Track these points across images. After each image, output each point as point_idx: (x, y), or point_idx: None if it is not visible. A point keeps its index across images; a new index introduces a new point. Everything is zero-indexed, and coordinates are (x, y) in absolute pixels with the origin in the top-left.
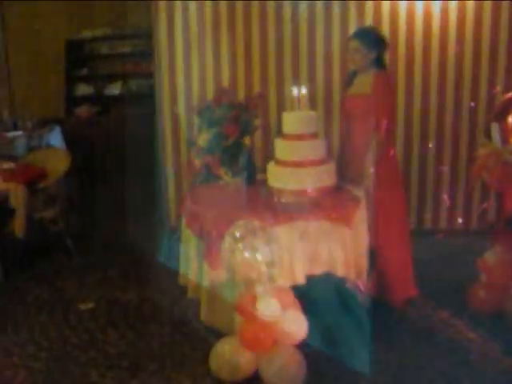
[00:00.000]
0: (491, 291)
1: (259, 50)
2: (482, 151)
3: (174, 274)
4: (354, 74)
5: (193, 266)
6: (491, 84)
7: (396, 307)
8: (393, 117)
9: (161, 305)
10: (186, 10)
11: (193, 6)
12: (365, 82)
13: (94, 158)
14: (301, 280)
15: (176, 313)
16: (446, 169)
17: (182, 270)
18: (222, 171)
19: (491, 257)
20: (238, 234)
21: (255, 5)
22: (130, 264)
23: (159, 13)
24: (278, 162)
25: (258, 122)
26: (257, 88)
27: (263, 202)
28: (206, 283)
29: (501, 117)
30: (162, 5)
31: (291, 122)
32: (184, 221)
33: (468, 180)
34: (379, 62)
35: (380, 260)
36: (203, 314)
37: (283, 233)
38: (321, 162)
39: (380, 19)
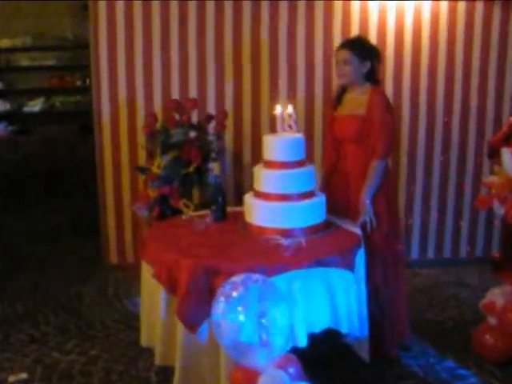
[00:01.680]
0: (502, 336)
1: (214, 57)
2: (493, 179)
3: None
4: (343, 90)
5: (161, 326)
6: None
7: (391, 356)
8: (394, 140)
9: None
10: (129, 18)
11: (138, 12)
12: (358, 101)
13: (13, 182)
14: (302, 341)
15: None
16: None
17: (143, 329)
18: (181, 203)
19: (500, 298)
20: (235, 294)
21: (210, 8)
22: (67, 314)
23: (99, 22)
24: (259, 195)
25: (220, 144)
26: (218, 104)
27: (245, 245)
28: (181, 349)
29: (508, 141)
30: (102, 14)
31: (275, 146)
32: (151, 271)
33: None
34: (373, 76)
35: (375, 303)
36: None
37: (282, 285)
38: (311, 195)
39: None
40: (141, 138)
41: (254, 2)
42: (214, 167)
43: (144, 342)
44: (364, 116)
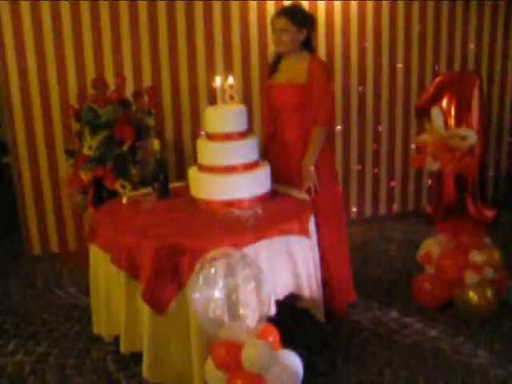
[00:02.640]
0: (439, 284)
1: (149, 34)
2: (426, 137)
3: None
4: (279, 58)
5: (124, 312)
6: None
7: (340, 314)
8: (333, 106)
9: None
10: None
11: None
12: (297, 69)
13: None
14: (272, 309)
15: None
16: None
17: (95, 317)
18: (117, 184)
19: (435, 248)
20: (212, 270)
21: None
22: None
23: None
24: (204, 168)
25: (152, 121)
26: (154, 79)
27: (201, 220)
28: (148, 333)
29: (436, 101)
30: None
31: (218, 118)
32: (105, 257)
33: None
34: (309, 44)
35: (323, 265)
36: (147, 370)
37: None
38: (256, 166)
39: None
40: (56, 119)
41: None
42: (154, 144)
43: (96, 330)
44: (304, 84)
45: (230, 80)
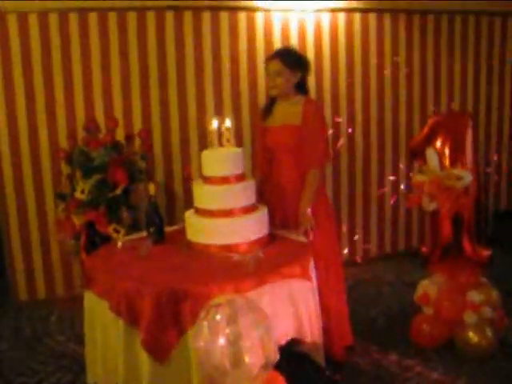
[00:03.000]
0: (438, 324)
1: (139, 74)
2: (422, 178)
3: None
4: (272, 101)
5: (123, 361)
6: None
7: (338, 359)
8: (327, 146)
9: None
10: (24, 22)
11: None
12: (292, 111)
13: None
14: (275, 355)
15: None
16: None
17: (90, 366)
18: (111, 229)
19: (432, 288)
20: (218, 317)
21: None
22: None
23: None
24: (200, 212)
25: (144, 164)
26: (145, 122)
27: (201, 265)
28: (148, 381)
29: (430, 141)
30: None
31: (214, 162)
32: (102, 304)
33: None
34: (303, 87)
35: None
36: None
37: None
38: (254, 209)
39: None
40: (45, 162)
41: (177, 16)
42: (150, 187)
43: (92, 379)
44: (299, 126)
45: (227, 123)
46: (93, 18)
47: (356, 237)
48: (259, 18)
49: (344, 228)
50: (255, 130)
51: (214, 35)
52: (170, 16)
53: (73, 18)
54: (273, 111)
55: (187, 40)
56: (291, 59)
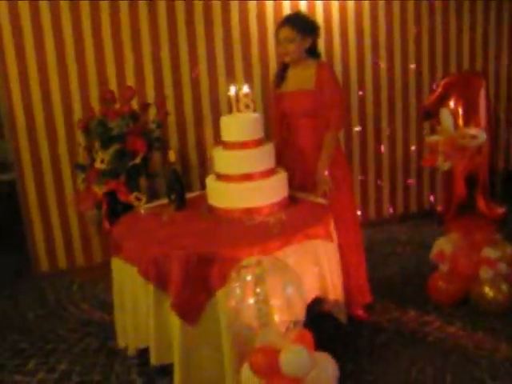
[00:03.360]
0: (454, 281)
1: (150, 42)
2: (436, 138)
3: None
4: (285, 67)
5: (154, 324)
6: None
7: (359, 316)
8: (345, 109)
9: None
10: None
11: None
12: (305, 76)
13: None
14: (302, 314)
15: None
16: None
17: (120, 330)
18: (132, 197)
19: (447, 246)
20: (249, 278)
21: None
22: (14, 333)
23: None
24: (222, 177)
25: (159, 132)
26: (149, 92)
27: (226, 229)
28: (179, 344)
29: (444, 101)
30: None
31: (233, 127)
32: (136, 269)
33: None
34: (315, 51)
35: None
36: (179, 381)
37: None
38: (272, 173)
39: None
40: (61, 134)
41: None
42: (170, 155)
43: (122, 343)
44: (314, 90)
45: (245, 89)
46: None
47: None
48: (252, 5)
49: (357, 189)
50: (269, 96)
51: (223, 1)
52: None
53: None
54: (286, 77)
55: (197, 8)
56: (302, 25)
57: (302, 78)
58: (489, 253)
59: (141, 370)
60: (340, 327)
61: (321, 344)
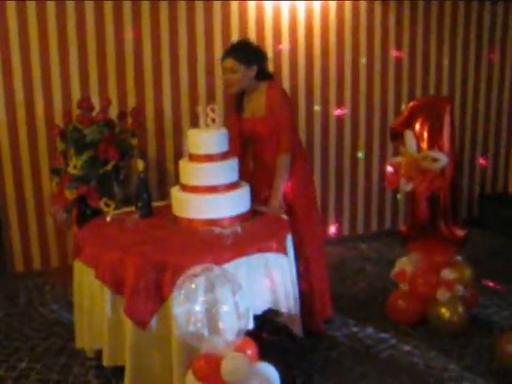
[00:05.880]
0: (413, 300)
1: (133, 57)
2: (399, 159)
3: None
4: (241, 95)
5: (107, 326)
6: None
7: (317, 331)
8: (295, 129)
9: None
10: (21, 4)
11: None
12: (257, 103)
13: None
14: (250, 324)
15: None
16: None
17: (78, 331)
18: (102, 203)
19: (408, 266)
20: (193, 286)
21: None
22: None
23: None
24: (187, 188)
25: (135, 141)
26: (131, 101)
27: (183, 238)
28: (130, 347)
29: (409, 124)
30: None
31: (201, 140)
32: (90, 273)
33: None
34: (263, 74)
35: (300, 282)
36: (129, 383)
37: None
38: (236, 186)
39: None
40: (41, 138)
41: (171, 4)
42: (139, 164)
43: (80, 344)
44: (266, 117)
45: (213, 105)
46: (89, 4)
47: (343, 216)
48: (251, 6)
49: (332, 207)
50: (228, 120)
51: (206, 23)
52: (164, 4)
53: (69, 4)
54: (243, 104)
55: (180, 26)
56: (245, 55)
57: (255, 105)
58: (447, 274)
59: (98, 371)
60: (296, 340)
61: (274, 356)
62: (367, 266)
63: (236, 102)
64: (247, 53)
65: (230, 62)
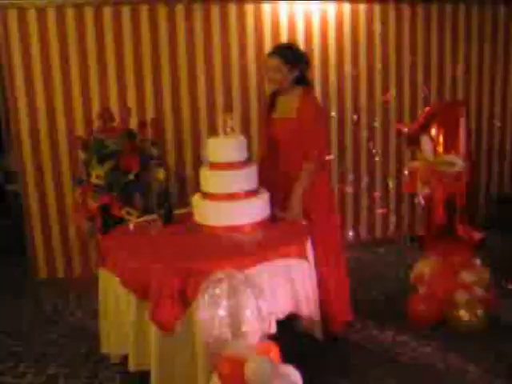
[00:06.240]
0: (431, 303)
1: (151, 65)
2: (416, 164)
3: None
4: (275, 94)
5: (133, 332)
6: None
7: (338, 333)
8: (326, 142)
9: None
10: (43, 18)
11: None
12: (290, 105)
13: None
14: (273, 328)
15: None
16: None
17: (103, 336)
18: (124, 211)
19: (426, 269)
20: (217, 291)
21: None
22: (8, 337)
23: (8, 22)
24: (208, 196)
25: (155, 150)
26: (149, 111)
27: (206, 244)
28: (156, 352)
29: (425, 129)
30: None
31: (219, 148)
32: (115, 279)
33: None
34: (303, 80)
35: (320, 287)
36: None
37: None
38: (256, 193)
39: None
40: (63, 148)
41: (187, 8)
42: (159, 173)
43: (105, 349)
44: (294, 119)
45: (231, 114)
46: (107, 11)
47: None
48: (266, 8)
49: (350, 212)
50: (261, 119)
51: (222, 27)
52: (180, 9)
53: (88, 12)
54: (275, 103)
55: (197, 32)
56: (290, 56)
57: (287, 105)
58: (465, 277)
59: (124, 376)
60: (317, 343)
61: (295, 359)
62: (386, 269)
63: (268, 101)
64: (293, 55)
65: (275, 62)
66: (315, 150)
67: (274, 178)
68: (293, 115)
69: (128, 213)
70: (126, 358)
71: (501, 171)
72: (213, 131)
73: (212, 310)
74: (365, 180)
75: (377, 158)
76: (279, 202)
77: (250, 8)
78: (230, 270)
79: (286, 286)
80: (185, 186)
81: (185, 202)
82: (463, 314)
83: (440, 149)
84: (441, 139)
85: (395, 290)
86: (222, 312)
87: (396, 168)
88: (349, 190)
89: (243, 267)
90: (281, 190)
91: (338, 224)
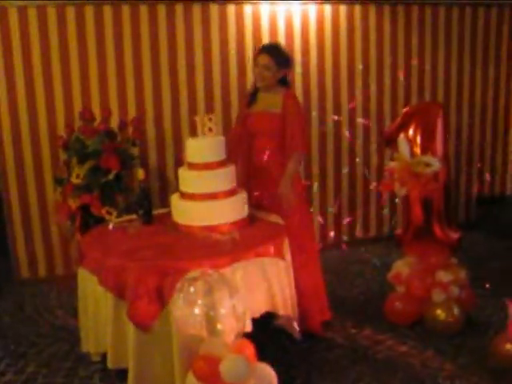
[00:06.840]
0: (409, 302)
1: (133, 66)
2: (393, 165)
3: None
4: (256, 91)
5: (111, 330)
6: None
7: (315, 332)
8: (307, 135)
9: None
10: (23, 16)
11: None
12: (272, 100)
13: None
14: (248, 326)
15: None
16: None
17: (83, 335)
18: (104, 211)
19: (404, 268)
20: (192, 289)
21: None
22: None
23: None
24: (185, 196)
25: (136, 150)
26: (131, 111)
27: (183, 244)
28: (133, 349)
29: (403, 130)
30: None
31: (198, 149)
32: (92, 279)
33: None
34: (286, 81)
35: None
36: None
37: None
38: (234, 193)
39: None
40: (45, 148)
41: (169, 8)
42: (139, 173)
43: (85, 348)
44: (279, 114)
45: (210, 114)
46: (89, 11)
47: (343, 220)
48: (247, 10)
49: (330, 211)
50: (239, 113)
51: (203, 28)
52: (161, 8)
53: (69, 11)
54: (256, 99)
55: (179, 32)
56: (280, 57)
57: (269, 101)
58: (442, 276)
59: (103, 374)
60: (296, 342)
61: (273, 357)
62: (366, 269)
63: (250, 96)
64: (282, 55)
65: (266, 59)
66: (303, 140)
67: (253, 176)
68: (277, 110)
69: (108, 212)
70: (105, 356)
71: (481, 172)
72: (194, 131)
73: (187, 309)
74: (345, 179)
75: (357, 159)
76: (264, 200)
77: (231, 9)
78: (205, 268)
79: (262, 285)
80: (165, 186)
81: (165, 202)
82: (440, 313)
83: (417, 149)
84: (418, 140)
85: (376, 289)
86: (197, 310)
87: (377, 167)
88: (329, 190)
89: (219, 266)
90: (264, 188)
91: (312, 220)
